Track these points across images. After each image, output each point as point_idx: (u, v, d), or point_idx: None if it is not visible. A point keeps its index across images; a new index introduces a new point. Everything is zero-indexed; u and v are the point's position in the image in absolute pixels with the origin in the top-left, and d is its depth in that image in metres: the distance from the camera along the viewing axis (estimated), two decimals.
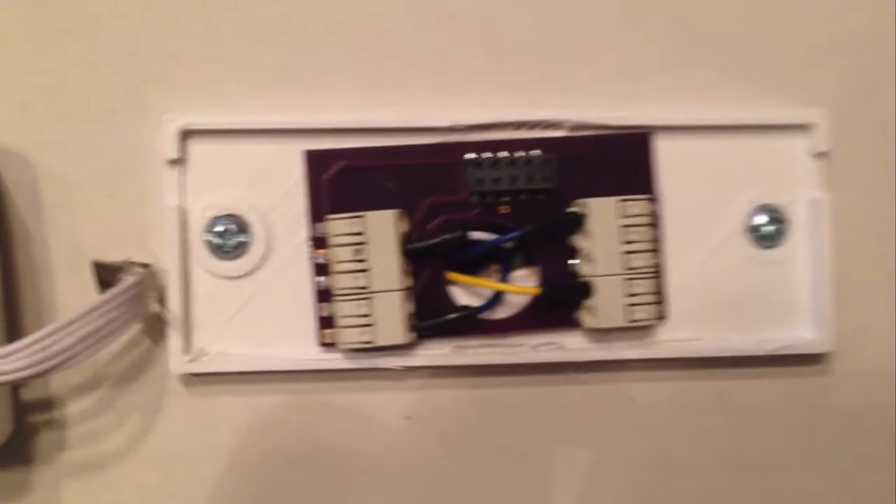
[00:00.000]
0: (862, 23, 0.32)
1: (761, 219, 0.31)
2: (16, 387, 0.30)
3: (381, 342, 0.29)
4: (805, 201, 0.32)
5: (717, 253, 0.31)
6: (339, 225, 0.29)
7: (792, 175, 0.32)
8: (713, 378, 0.32)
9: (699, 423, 0.32)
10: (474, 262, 0.32)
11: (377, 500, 0.31)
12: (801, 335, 0.32)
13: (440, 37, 0.31)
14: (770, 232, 0.31)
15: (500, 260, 0.31)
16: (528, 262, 0.32)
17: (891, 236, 0.32)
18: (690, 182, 0.31)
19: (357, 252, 0.29)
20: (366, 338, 0.29)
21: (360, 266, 0.29)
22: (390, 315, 0.29)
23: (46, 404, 0.30)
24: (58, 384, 0.30)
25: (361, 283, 0.29)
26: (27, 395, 0.30)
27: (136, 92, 0.30)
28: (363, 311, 0.29)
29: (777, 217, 0.31)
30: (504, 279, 0.31)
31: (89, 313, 0.27)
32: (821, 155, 0.31)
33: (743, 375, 0.32)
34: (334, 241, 0.29)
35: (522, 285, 0.31)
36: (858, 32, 0.32)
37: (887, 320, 0.32)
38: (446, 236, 0.29)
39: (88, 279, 0.29)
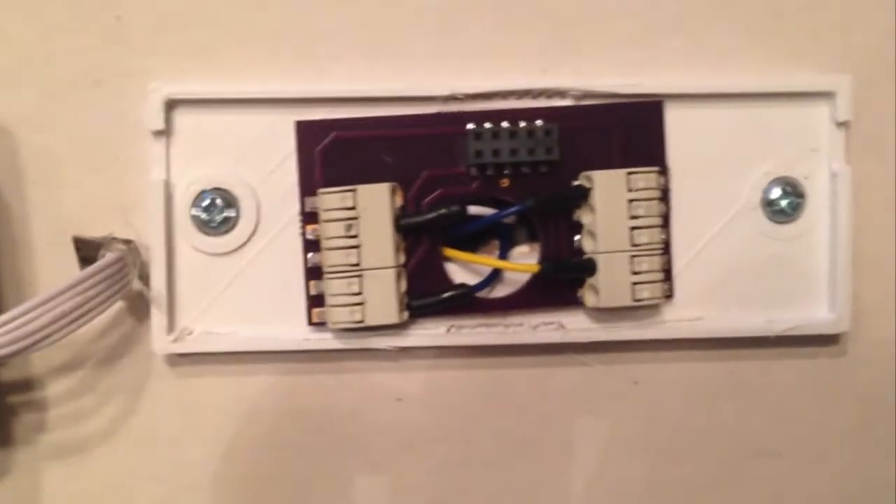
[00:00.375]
0: None
1: (777, 192, 0.30)
2: None
3: (372, 322, 0.28)
4: (824, 174, 0.30)
5: (729, 228, 0.30)
6: (329, 199, 0.28)
7: (811, 146, 0.30)
8: (722, 359, 0.31)
9: (707, 406, 0.31)
10: (474, 236, 0.30)
11: (368, 484, 0.30)
12: (816, 315, 0.30)
13: (444, 2, 0.29)
14: (786, 206, 0.30)
15: (500, 235, 0.30)
16: (530, 238, 0.30)
17: None
18: (703, 153, 0.30)
19: (349, 227, 0.27)
20: (356, 317, 0.28)
21: (351, 242, 0.28)
22: (382, 293, 0.28)
23: (27, 385, 0.29)
24: (38, 364, 0.29)
25: (353, 260, 0.28)
26: (6, 375, 0.29)
27: (122, 60, 0.29)
28: (354, 290, 0.28)
29: (794, 190, 0.30)
30: (504, 255, 0.30)
31: (68, 290, 0.26)
32: (843, 125, 0.30)
33: (754, 356, 0.31)
34: (325, 215, 0.28)
35: (522, 262, 0.29)
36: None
37: None
38: (443, 211, 0.28)
39: (70, 256, 0.28)
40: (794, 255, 0.30)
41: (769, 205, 0.30)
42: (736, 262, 0.30)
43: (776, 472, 0.31)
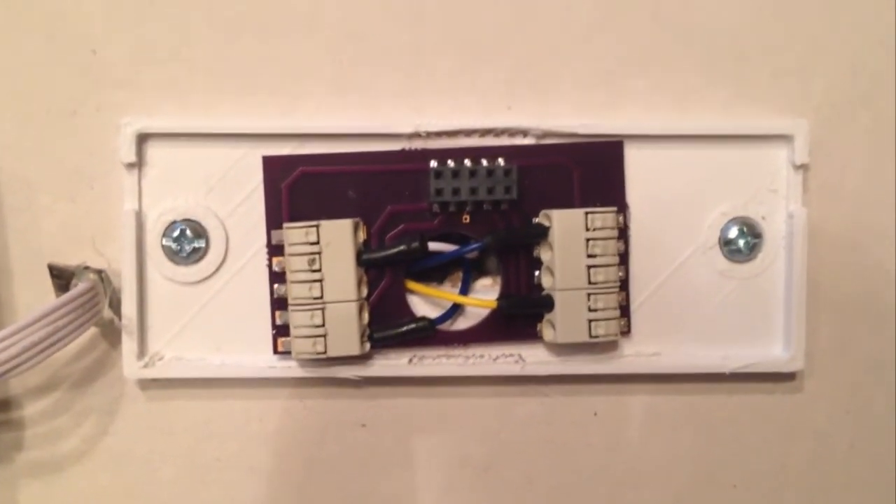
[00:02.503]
0: (849, 35, 0.31)
1: (735, 232, 0.30)
2: None
3: (333, 353, 0.29)
4: (782, 215, 0.31)
5: (687, 266, 0.31)
6: (293, 234, 0.28)
7: (769, 187, 0.31)
8: (679, 393, 0.31)
9: (665, 438, 0.31)
10: (440, 267, 0.31)
11: None
12: (771, 353, 0.31)
13: (411, 40, 0.30)
14: (743, 245, 0.30)
15: (463, 268, 0.31)
16: (496, 271, 0.31)
17: (866, 253, 0.31)
18: (663, 193, 0.30)
19: (312, 262, 0.28)
20: (318, 348, 0.29)
21: (314, 276, 0.28)
22: (344, 326, 0.29)
23: (4, 405, 0.30)
24: (16, 386, 0.30)
25: (315, 294, 0.28)
26: None
27: (97, 93, 0.30)
28: (317, 322, 0.28)
29: (751, 231, 0.30)
30: (466, 288, 0.31)
31: (40, 319, 0.27)
32: (800, 167, 0.30)
33: (711, 391, 0.31)
34: (290, 249, 0.29)
35: (481, 297, 0.30)
36: (844, 44, 0.31)
37: (861, 338, 0.31)
38: (402, 248, 0.29)
39: (46, 281, 0.29)
40: (750, 294, 0.31)
41: (727, 244, 0.30)
42: (693, 299, 0.31)
43: (731, 503, 0.32)
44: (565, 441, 0.31)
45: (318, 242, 0.28)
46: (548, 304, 0.29)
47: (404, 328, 0.29)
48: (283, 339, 0.29)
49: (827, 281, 0.31)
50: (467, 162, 0.29)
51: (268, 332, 0.30)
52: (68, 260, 0.29)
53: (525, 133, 0.30)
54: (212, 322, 0.30)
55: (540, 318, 0.30)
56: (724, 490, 0.32)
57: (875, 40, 0.31)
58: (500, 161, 0.29)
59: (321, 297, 0.28)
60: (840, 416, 0.32)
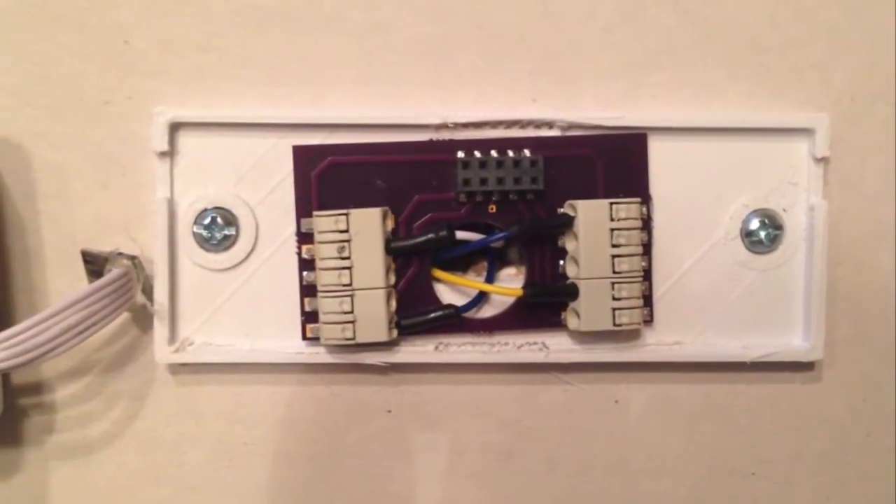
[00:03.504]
0: (869, 30, 0.31)
1: (756, 224, 0.31)
2: None
3: (361, 339, 0.29)
4: (802, 207, 0.31)
5: (709, 257, 0.31)
6: (323, 222, 0.29)
7: (790, 180, 0.31)
8: (700, 382, 0.32)
9: (684, 427, 0.32)
10: (466, 257, 0.32)
11: (358, 492, 0.32)
12: (791, 343, 0.31)
13: (437, 31, 0.31)
14: (764, 237, 0.31)
15: (488, 257, 0.31)
16: (519, 260, 0.31)
17: (886, 245, 0.31)
18: (685, 184, 0.31)
19: (341, 249, 0.29)
20: (347, 334, 0.29)
21: (343, 263, 0.29)
22: (372, 313, 0.29)
23: (37, 388, 0.31)
24: (48, 369, 0.31)
25: (345, 281, 0.29)
26: (18, 378, 0.31)
27: (129, 83, 0.30)
28: (346, 308, 0.29)
29: (772, 222, 0.31)
30: (491, 277, 0.31)
31: (75, 304, 0.27)
32: (821, 160, 0.31)
33: (731, 380, 0.32)
34: (319, 237, 0.29)
35: (507, 286, 0.31)
36: (865, 39, 0.31)
37: (879, 330, 0.32)
38: (430, 236, 0.29)
39: (79, 267, 0.29)
40: (770, 285, 0.31)
41: (748, 235, 0.31)
42: (714, 289, 0.31)
43: (750, 491, 0.32)
44: (586, 428, 0.32)
45: (347, 230, 0.29)
46: (572, 292, 0.30)
47: (431, 315, 0.30)
48: (311, 325, 0.30)
49: (846, 273, 0.31)
50: (494, 153, 0.30)
51: (296, 319, 0.30)
52: (101, 246, 0.30)
53: (550, 125, 0.30)
54: (241, 308, 0.30)
55: (564, 306, 0.30)
56: (742, 478, 0.32)
57: (894, 34, 0.31)
58: (526, 152, 0.30)
59: (350, 285, 0.29)
60: (858, 405, 0.32)
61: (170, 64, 0.30)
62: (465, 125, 0.30)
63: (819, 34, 0.31)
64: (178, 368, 0.31)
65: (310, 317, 0.30)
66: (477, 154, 0.30)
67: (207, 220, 0.30)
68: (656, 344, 0.31)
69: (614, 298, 0.30)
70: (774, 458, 0.32)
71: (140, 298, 0.30)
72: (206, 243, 0.30)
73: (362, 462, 0.32)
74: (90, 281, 0.29)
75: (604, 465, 0.32)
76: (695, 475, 0.32)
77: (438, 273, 0.30)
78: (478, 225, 0.30)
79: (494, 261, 0.31)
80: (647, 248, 0.31)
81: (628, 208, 0.29)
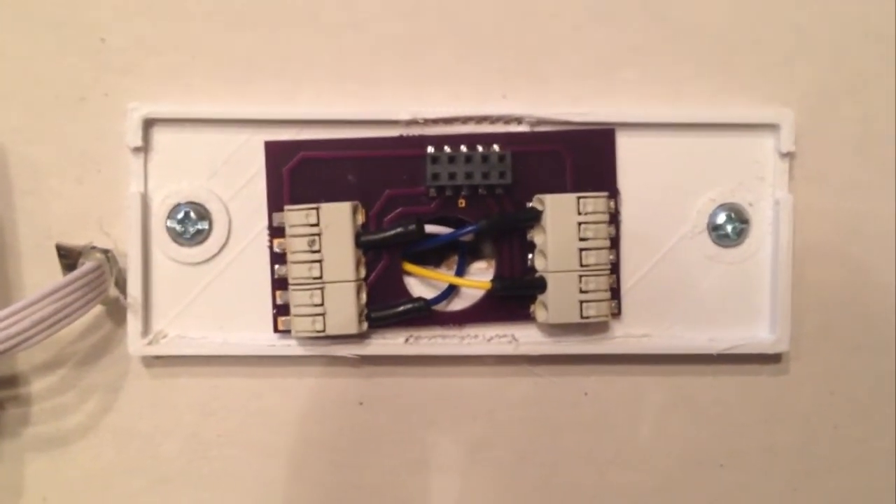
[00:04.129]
0: (834, 27, 0.31)
1: (722, 217, 0.31)
2: None
3: (332, 332, 0.29)
4: (768, 201, 0.31)
5: (676, 250, 0.31)
6: (294, 216, 0.29)
7: (756, 175, 0.31)
8: (669, 374, 0.32)
9: (654, 419, 0.32)
10: (438, 250, 0.32)
11: (331, 483, 0.32)
12: (757, 335, 0.32)
13: (409, 29, 0.31)
14: (731, 231, 0.31)
15: (459, 251, 0.32)
16: (491, 254, 0.32)
17: (851, 238, 0.32)
18: (653, 179, 0.31)
19: (312, 242, 0.29)
20: (318, 327, 0.29)
21: (314, 256, 0.29)
22: (342, 305, 0.29)
23: (12, 381, 0.31)
24: (23, 362, 0.31)
25: (315, 274, 0.29)
26: None
27: (105, 80, 0.31)
28: (316, 301, 0.29)
29: (739, 216, 0.31)
30: (462, 270, 0.32)
31: (48, 296, 0.28)
32: (786, 155, 0.31)
33: (699, 372, 0.32)
34: (290, 231, 0.29)
35: (477, 279, 0.31)
36: (830, 36, 0.31)
37: (846, 322, 0.32)
38: (399, 230, 0.30)
39: (54, 261, 0.30)
40: (737, 278, 0.32)
41: (715, 229, 0.31)
42: (682, 282, 0.32)
43: (719, 482, 0.33)
44: (556, 420, 0.32)
45: (317, 224, 0.29)
46: (540, 285, 0.30)
47: (401, 308, 0.30)
48: (283, 318, 0.30)
49: (812, 266, 0.32)
50: (463, 148, 0.30)
51: (268, 312, 0.31)
52: (76, 240, 0.30)
53: (519, 120, 0.31)
54: (214, 301, 0.31)
55: (533, 299, 0.31)
56: (711, 469, 0.33)
57: (860, 31, 0.32)
58: (495, 147, 0.30)
59: (320, 278, 0.29)
60: (825, 397, 0.33)
61: (145, 61, 0.31)
62: (436, 121, 0.31)
63: (785, 32, 0.31)
64: (151, 361, 0.31)
65: (281, 310, 0.30)
66: (446, 149, 0.30)
67: (181, 215, 0.31)
68: (625, 336, 0.32)
69: (582, 291, 0.30)
70: (743, 450, 0.33)
71: (113, 292, 0.30)
72: (179, 237, 0.31)
73: (334, 453, 0.32)
74: (65, 274, 0.30)
75: (574, 456, 0.32)
76: (664, 467, 0.33)
77: (409, 266, 0.31)
78: (449, 219, 0.31)
79: (465, 254, 0.32)
80: (615, 242, 0.31)
81: (595, 202, 0.30)
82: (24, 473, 0.32)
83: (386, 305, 0.30)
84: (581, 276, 0.30)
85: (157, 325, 0.31)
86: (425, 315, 0.31)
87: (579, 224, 0.30)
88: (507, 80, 0.31)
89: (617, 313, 0.31)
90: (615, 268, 0.31)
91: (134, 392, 0.31)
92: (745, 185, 0.31)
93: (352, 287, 0.29)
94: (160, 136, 0.30)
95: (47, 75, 0.31)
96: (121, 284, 0.30)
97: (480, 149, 0.30)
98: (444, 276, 0.31)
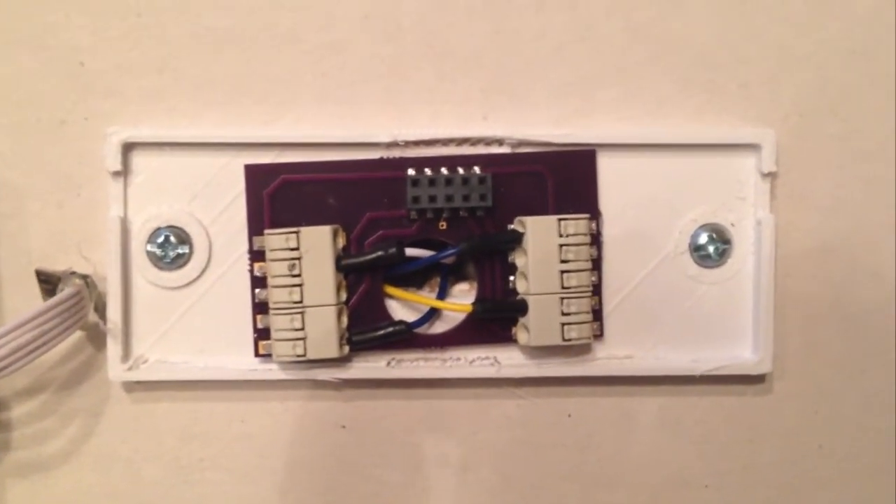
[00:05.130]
0: (816, 47, 0.31)
1: (704, 238, 0.31)
2: None
3: (312, 356, 0.29)
4: (750, 221, 0.31)
5: (658, 271, 0.31)
6: (274, 240, 0.29)
7: (738, 195, 0.31)
8: (652, 395, 0.32)
9: (637, 439, 0.32)
10: (419, 274, 0.32)
11: None
12: (740, 356, 0.32)
13: (391, 51, 0.31)
14: (713, 251, 0.31)
15: (440, 273, 0.32)
16: (473, 276, 0.32)
17: (834, 257, 0.32)
18: (634, 200, 0.31)
19: (292, 267, 0.29)
20: (298, 351, 0.29)
21: (294, 281, 0.29)
22: (323, 329, 0.29)
23: None
24: (3, 388, 0.31)
25: (295, 298, 0.29)
26: None
27: (86, 104, 0.31)
28: (296, 325, 0.29)
29: (720, 237, 0.31)
30: (443, 292, 0.31)
31: (26, 323, 0.28)
32: (768, 175, 0.31)
33: (683, 393, 0.32)
34: (270, 255, 0.29)
35: (459, 301, 0.31)
36: (811, 56, 0.31)
37: (829, 342, 0.32)
38: (380, 253, 0.30)
39: (35, 287, 0.30)
40: (720, 299, 0.32)
41: (697, 250, 0.31)
42: (664, 303, 0.31)
43: (703, 502, 0.33)
44: (540, 442, 0.32)
45: (298, 248, 0.29)
46: (522, 307, 0.30)
47: (382, 331, 0.30)
48: (264, 342, 0.30)
49: (795, 286, 0.32)
50: (444, 170, 0.30)
51: (249, 336, 0.30)
52: (56, 265, 0.30)
53: (500, 142, 0.31)
54: (195, 326, 0.31)
55: (515, 321, 0.31)
56: (696, 490, 0.32)
57: (843, 51, 0.31)
58: (476, 169, 0.30)
59: (301, 302, 0.29)
60: (810, 417, 0.32)
61: (126, 85, 0.31)
62: (416, 143, 0.30)
63: (767, 52, 0.31)
64: (132, 386, 0.31)
65: (262, 334, 0.30)
66: (427, 171, 0.30)
67: (161, 239, 0.30)
68: (607, 358, 0.31)
69: (563, 313, 0.30)
70: (728, 470, 0.32)
71: (93, 317, 0.30)
72: (159, 261, 0.31)
73: (317, 477, 0.32)
74: (45, 300, 0.30)
75: (558, 477, 0.32)
76: (649, 487, 0.32)
77: (390, 289, 0.31)
78: (430, 241, 0.31)
79: (447, 276, 0.32)
80: (597, 263, 0.31)
81: (577, 224, 0.30)
82: (6, 499, 0.31)
83: (367, 329, 0.30)
84: (563, 299, 0.30)
85: (138, 350, 0.31)
86: (407, 338, 0.31)
87: (560, 246, 0.30)
88: (487, 101, 0.31)
89: (599, 335, 0.31)
90: (597, 289, 0.31)
91: (115, 417, 0.31)
92: (727, 206, 0.31)
93: (332, 311, 0.29)
94: (140, 159, 0.30)
95: (27, 99, 0.31)
96: (100, 309, 0.30)
97: (461, 171, 0.30)
98: (426, 299, 0.31)
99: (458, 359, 0.31)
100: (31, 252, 0.31)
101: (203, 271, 0.31)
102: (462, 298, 0.31)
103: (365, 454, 0.32)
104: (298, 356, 0.29)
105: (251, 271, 0.30)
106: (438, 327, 0.31)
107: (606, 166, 0.31)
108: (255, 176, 0.30)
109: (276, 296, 0.29)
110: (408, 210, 0.30)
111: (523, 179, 0.31)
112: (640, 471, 0.32)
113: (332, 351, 0.30)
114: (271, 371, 0.31)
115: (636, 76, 0.31)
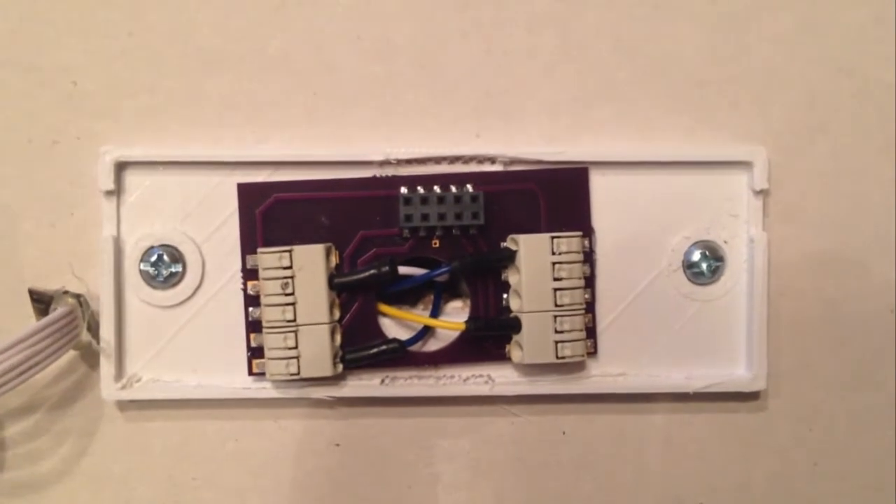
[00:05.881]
0: (806, 64, 0.31)
1: (697, 255, 0.31)
2: None
3: (306, 374, 0.29)
4: (743, 238, 0.31)
5: (652, 289, 0.31)
6: (267, 258, 0.29)
7: (730, 212, 0.31)
8: (646, 412, 0.32)
9: (632, 457, 0.32)
10: (413, 292, 0.32)
11: None
12: (734, 373, 0.32)
13: (383, 71, 0.31)
14: (706, 269, 0.31)
15: (434, 291, 0.32)
16: (467, 294, 0.32)
17: (827, 274, 0.32)
18: (627, 217, 0.31)
19: (285, 285, 0.29)
20: (292, 370, 0.29)
21: (287, 299, 0.29)
22: (316, 348, 0.29)
23: None
24: None
25: (289, 316, 0.29)
26: None
27: (78, 124, 0.31)
28: (290, 344, 0.29)
29: (713, 254, 0.31)
30: (437, 310, 0.31)
31: (18, 343, 0.28)
32: (760, 192, 0.31)
33: (677, 410, 0.32)
34: (263, 273, 0.29)
35: (453, 319, 0.31)
36: (802, 73, 0.32)
37: (824, 359, 0.32)
38: (373, 271, 0.30)
39: (28, 306, 0.30)
40: (713, 316, 0.32)
41: (690, 267, 0.31)
42: (658, 321, 0.31)
43: None
44: (535, 460, 0.32)
45: (290, 267, 0.29)
46: (515, 325, 0.30)
47: (375, 349, 0.30)
48: (257, 360, 0.30)
49: (788, 302, 0.32)
50: (436, 188, 0.30)
51: (243, 354, 0.30)
52: (49, 284, 0.30)
53: (493, 160, 0.31)
54: (188, 344, 0.31)
55: (508, 339, 0.31)
56: None
57: (833, 69, 0.32)
58: (469, 187, 0.30)
59: (294, 320, 0.29)
60: (804, 434, 0.32)
61: (118, 105, 0.31)
62: (409, 161, 0.31)
63: (757, 70, 0.32)
64: (125, 405, 0.31)
65: (256, 352, 0.30)
66: (419, 190, 0.30)
67: (154, 258, 0.30)
68: (601, 375, 0.31)
69: (557, 331, 0.30)
70: (722, 487, 0.32)
71: (86, 336, 0.30)
72: (152, 280, 0.31)
73: (311, 495, 0.32)
74: (38, 319, 0.30)
75: (553, 495, 0.32)
76: (643, 503, 0.32)
77: (383, 308, 0.31)
78: (423, 259, 0.31)
79: (441, 295, 0.32)
80: (590, 281, 0.31)
81: (569, 242, 0.30)
82: None
83: (361, 347, 0.30)
84: (556, 317, 0.30)
85: (131, 369, 0.31)
86: (400, 356, 0.31)
87: (553, 264, 0.30)
88: (480, 119, 0.31)
89: (593, 352, 0.31)
90: (590, 307, 0.31)
91: (108, 436, 0.31)
92: (720, 223, 0.31)
93: (325, 329, 0.29)
94: (133, 178, 0.30)
95: (19, 119, 0.31)
96: (94, 328, 0.30)
97: (454, 189, 0.30)
98: (419, 317, 0.31)
99: (452, 376, 0.31)
100: (24, 272, 0.31)
101: (196, 290, 0.31)
102: (455, 316, 0.31)
103: (359, 472, 0.32)
104: (292, 375, 0.29)
105: (244, 290, 0.30)
106: (432, 345, 0.31)
107: (599, 184, 0.31)
108: (248, 194, 0.30)
109: (269, 314, 0.29)
110: (401, 228, 0.30)
111: (516, 197, 0.31)
112: (634, 488, 0.32)
113: (326, 369, 0.30)
114: (265, 389, 0.31)
115: (628, 95, 0.31)
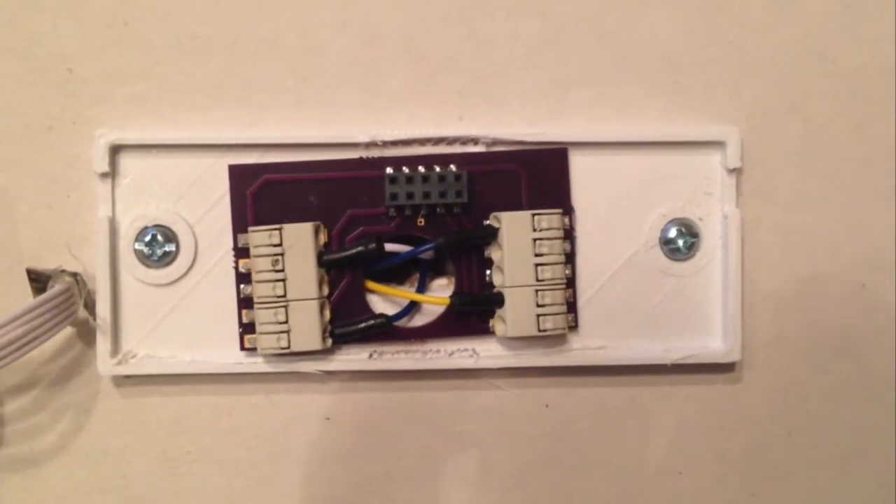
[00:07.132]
0: (778, 47, 0.33)
1: (674, 232, 0.32)
2: None
3: (297, 348, 0.30)
4: (717, 216, 0.33)
5: (630, 265, 0.33)
6: (258, 237, 0.30)
7: (705, 190, 0.33)
8: (625, 384, 0.33)
9: (612, 427, 0.33)
10: (399, 269, 0.33)
11: (300, 498, 0.33)
12: (710, 345, 0.33)
13: (369, 55, 0.32)
14: (682, 245, 0.32)
15: (419, 268, 0.33)
16: (452, 271, 0.33)
17: (799, 250, 0.33)
18: (606, 196, 0.32)
19: (275, 262, 0.30)
20: (282, 344, 0.30)
21: (277, 276, 0.30)
22: (306, 322, 0.30)
23: None
24: None
25: (279, 292, 0.30)
26: None
27: (73, 109, 0.32)
28: (280, 319, 0.30)
29: (689, 231, 0.32)
30: (422, 287, 0.32)
31: (17, 319, 0.29)
32: (733, 171, 0.32)
33: (656, 382, 0.33)
34: (254, 251, 0.30)
35: (436, 295, 0.32)
36: (774, 56, 0.33)
37: (797, 332, 0.33)
38: (360, 248, 0.31)
39: (26, 285, 0.31)
40: (689, 290, 0.33)
41: (667, 244, 0.32)
42: (636, 295, 0.33)
43: (677, 489, 0.34)
44: (518, 432, 0.33)
45: (280, 244, 0.30)
46: (498, 300, 0.31)
47: (363, 324, 0.31)
48: (249, 336, 0.31)
49: (762, 277, 0.33)
50: (421, 168, 0.31)
51: (235, 330, 0.31)
52: (46, 264, 0.31)
53: (475, 141, 0.32)
54: (182, 321, 0.32)
55: (492, 314, 0.32)
56: (670, 477, 0.33)
57: (802, 52, 0.33)
58: (452, 167, 0.31)
59: (284, 296, 0.30)
60: (779, 404, 0.34)
61: (112, 91, 0.32)
62: (394, 143, 0.32)
63: (730, 53, 0.33)
64: (121, 381, 0.32)
65: (247, 328, 0.31)
66: (405, 170, 0.31)
67: (148, 238, 0.31)
68: (582, 348, 0.33)
69: (538, 305, 0.31)
70: (700, 457, 0.34)
71: (83, 313, 0.31)
72: (147, 259, 0.31)
73: (303, 468, 0.33)
74: (35, 297, 0.30)
75: (536, 467, 0.33)
76: (624, 475, 0.33)
77: (371, 284, 0.32)
78: (409, 237, 0.32)
79: (426, 272, 0.33)
80: (570, 257, 0.32)
81: (550, 219, 0.31)
82: None
83: (349, 322, 0.31)
84: (537, 291, 0.31)
85: (127, 346, 0.32)
86: (388, 331, 0.32)
87: (534, 240, 0.31)
88: (463, 102, 0.32)
89: (574, 326, 0.32)
90: (571, 282, 0.32)
91: (105, 412, 0.32)
92: (695, 201, 0.33)
93: (315, 304, 0.30)
94: (127, 161, 0.31)
95: (16, 105, 0.32)
96: (90, 306, 0.31)
97: (438, 169, 0.31)
98: (405, 292, 0.32)
99: (438, 351, 0.32)
100: (22, 252, 0.32)
101: (189, 268, 0.32)
102: (441, 292, 0.33)
103: (349, 445, 0.33)
104: (283, 348, 0.30)
105: (236, 267, 0.31)
106: (418, 320, 0.32)
107: (578, 164, 0.32)
108: (239, 176, 0.31)
109: (260, 290, 0.30)
110: (387, 207, 0.31)
111: (498, 177, 0.32)
112: (615, 459, 0.33)
113: (316, 343, 0.31)
114: (256, 364, 0.32)
115: (606, 78, 0.33)
